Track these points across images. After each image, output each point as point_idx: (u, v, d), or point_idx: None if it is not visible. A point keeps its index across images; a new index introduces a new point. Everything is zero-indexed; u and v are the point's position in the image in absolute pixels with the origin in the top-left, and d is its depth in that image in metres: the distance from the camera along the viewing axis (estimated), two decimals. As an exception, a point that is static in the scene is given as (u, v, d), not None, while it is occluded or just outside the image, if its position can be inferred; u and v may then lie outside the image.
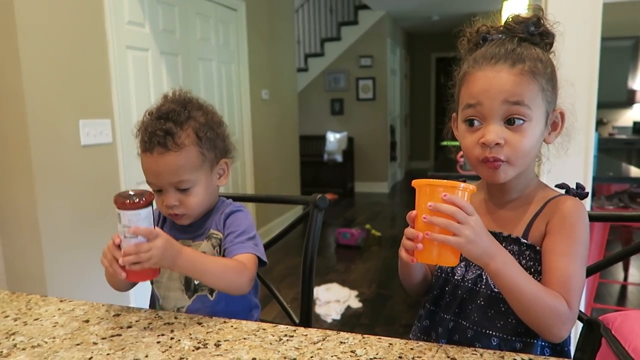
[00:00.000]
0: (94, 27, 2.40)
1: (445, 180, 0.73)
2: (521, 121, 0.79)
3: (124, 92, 2.61)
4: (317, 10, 7.47)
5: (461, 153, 2.12)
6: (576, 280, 0.78)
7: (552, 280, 0.78)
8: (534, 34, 0.84)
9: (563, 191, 0.89)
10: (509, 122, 0.80)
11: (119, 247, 0.85)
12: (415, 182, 0.75)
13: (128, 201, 0.83)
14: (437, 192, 0.72)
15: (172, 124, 0.97)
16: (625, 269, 3.50)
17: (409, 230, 0.74)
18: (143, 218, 0.84)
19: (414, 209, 0.75)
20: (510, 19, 0.85)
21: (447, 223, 0.71)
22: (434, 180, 0.73)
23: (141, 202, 0.84)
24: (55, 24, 2.19)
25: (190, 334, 0.83)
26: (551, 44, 0.86)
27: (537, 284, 0.77)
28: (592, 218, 1.04)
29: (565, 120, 0.86)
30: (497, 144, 0.79)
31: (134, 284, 1.02)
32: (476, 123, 0.82)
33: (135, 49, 2.71)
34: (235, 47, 3.86)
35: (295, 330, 0.84)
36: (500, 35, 0.85)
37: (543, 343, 0.83)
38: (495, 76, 0.80)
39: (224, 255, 1.02)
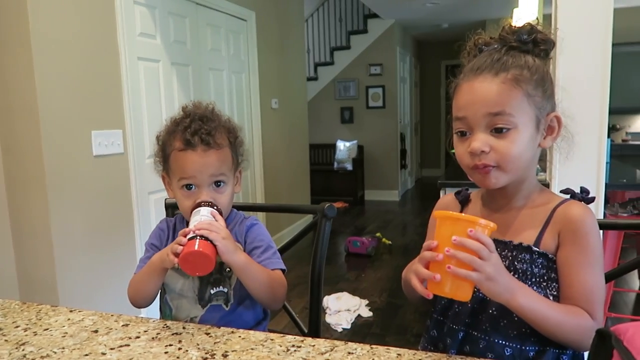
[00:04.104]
0: (106, 39, 2.44)
1: (467, 215, 0.76)
2: (506, 129, 0.81)
3: (136, 102, 2.64)
4: (326, 19, 7.51)
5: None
6: (598, 291, 0.81)
7: (574, 295, 0.80)
8: (526, 42, 0.85)
9: (568, 196, 0.88)
10: (494, 130, 0.81)
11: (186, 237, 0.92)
12: (437, 214, 0.77)
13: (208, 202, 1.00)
14: (459, 225, 0.74)
15: (211, 126, 1.03)
16: (641, 277, 3.45)
17: (427, 254, 0.74)
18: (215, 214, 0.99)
19: (431, 237, 0.77)
20: (505, 29, 0.87)
21: (470, 259, 0.72)
22: (457, 213, 0.77)
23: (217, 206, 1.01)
24: (69, 37, 2.23)
25: (198, 344, 0.83)
26: (546, 51, 0.87)
27: (559, 307, 0.79)
28: (606, 226, 1.03)
29: (562, 124, 0.86)
30: (482, 151, 0.81)
31: (152, 301, 1.05)
32: (465, 134, 0.84)
33: (146, 60, 2.75)
34: (246, 56, 3.89)
35: (303, 341, 0.83)
36: (495, 46, 0.86)
37: (556, 350, 0.82)
38: (479, 87, 0.82)
39: None
